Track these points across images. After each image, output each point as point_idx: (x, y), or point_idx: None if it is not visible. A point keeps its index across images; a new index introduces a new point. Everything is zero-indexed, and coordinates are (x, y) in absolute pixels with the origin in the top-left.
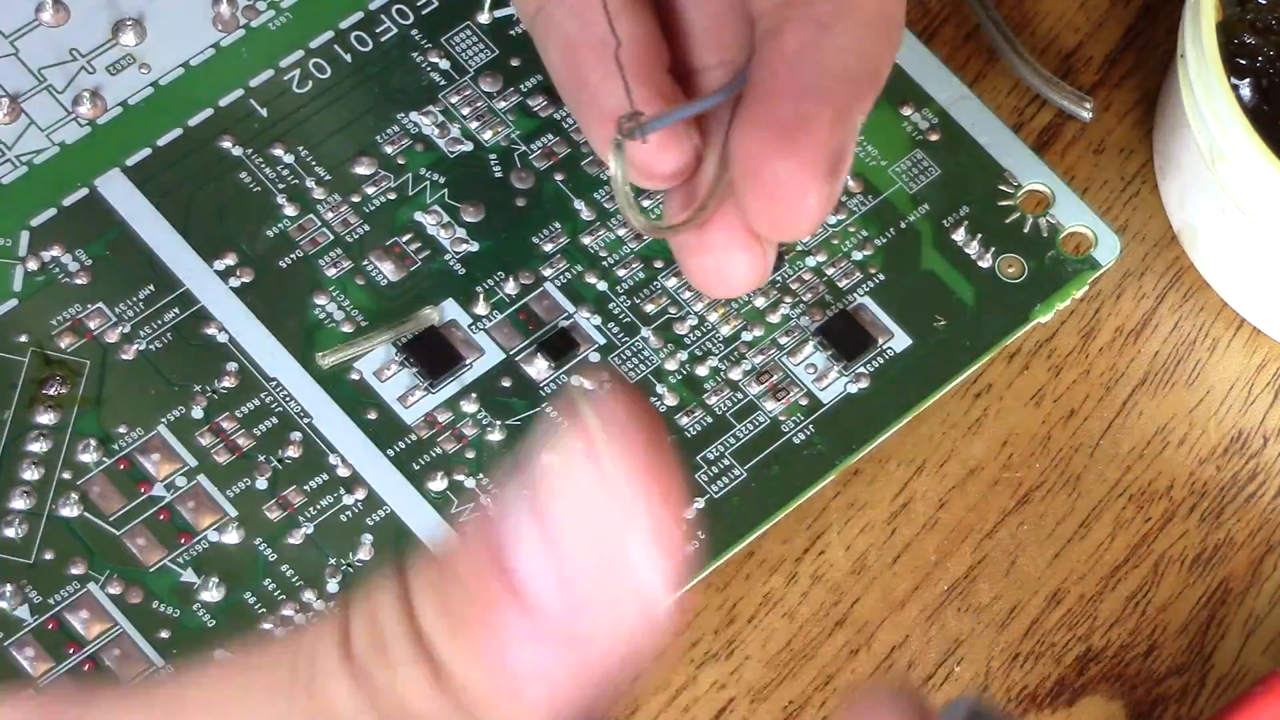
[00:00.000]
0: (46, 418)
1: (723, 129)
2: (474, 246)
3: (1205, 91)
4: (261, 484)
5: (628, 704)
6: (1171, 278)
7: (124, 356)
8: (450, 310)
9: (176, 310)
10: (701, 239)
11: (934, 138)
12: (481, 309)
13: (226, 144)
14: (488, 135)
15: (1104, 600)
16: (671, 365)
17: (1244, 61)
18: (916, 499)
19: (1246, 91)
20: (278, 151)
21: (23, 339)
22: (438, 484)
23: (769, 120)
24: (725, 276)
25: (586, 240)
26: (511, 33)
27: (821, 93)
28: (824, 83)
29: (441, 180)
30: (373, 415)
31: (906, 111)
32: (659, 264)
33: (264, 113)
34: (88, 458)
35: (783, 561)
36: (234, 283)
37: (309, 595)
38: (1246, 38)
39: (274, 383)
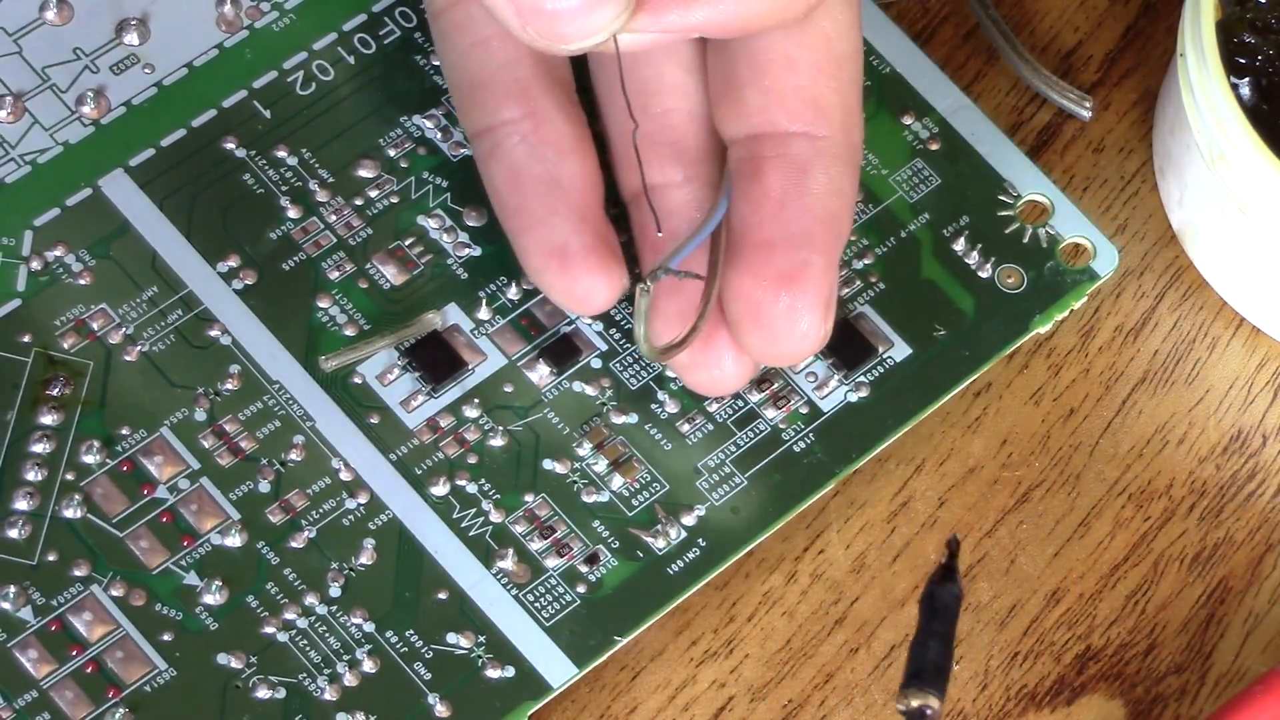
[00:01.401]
0: (49, 419)
1: (703, 253)
2: (476, 251)
3: (1205, 91)
4: (264, 487)
5: (627, 703)
6: (1171, 277)
7: (127, 358)
8: (453, 315)
9: (180, 312)
10: (695, 358)
11: (934, 147)
12: (484, 314)
13: (230, 145)
14: None
15: (1103, 599)
16: (672, 372)
17: (1244, 61)
18: (916, 498)
19: (1246, 91)
20: (281, 153)
21: (26, 339)
22: (440, 489)
23: (768, 270)
24: (721, 384)
25: None
26: None
27: (813, 240)
28: (813, 229)
29: (444, 184)
30: (375, 419)
31: (907, 120)
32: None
33: (267, 114)
34: (91, 459)
35: (782, 560)
36: (237, 285)
37: (311, 599)
38: (1246, 37)
39: (277, 386)
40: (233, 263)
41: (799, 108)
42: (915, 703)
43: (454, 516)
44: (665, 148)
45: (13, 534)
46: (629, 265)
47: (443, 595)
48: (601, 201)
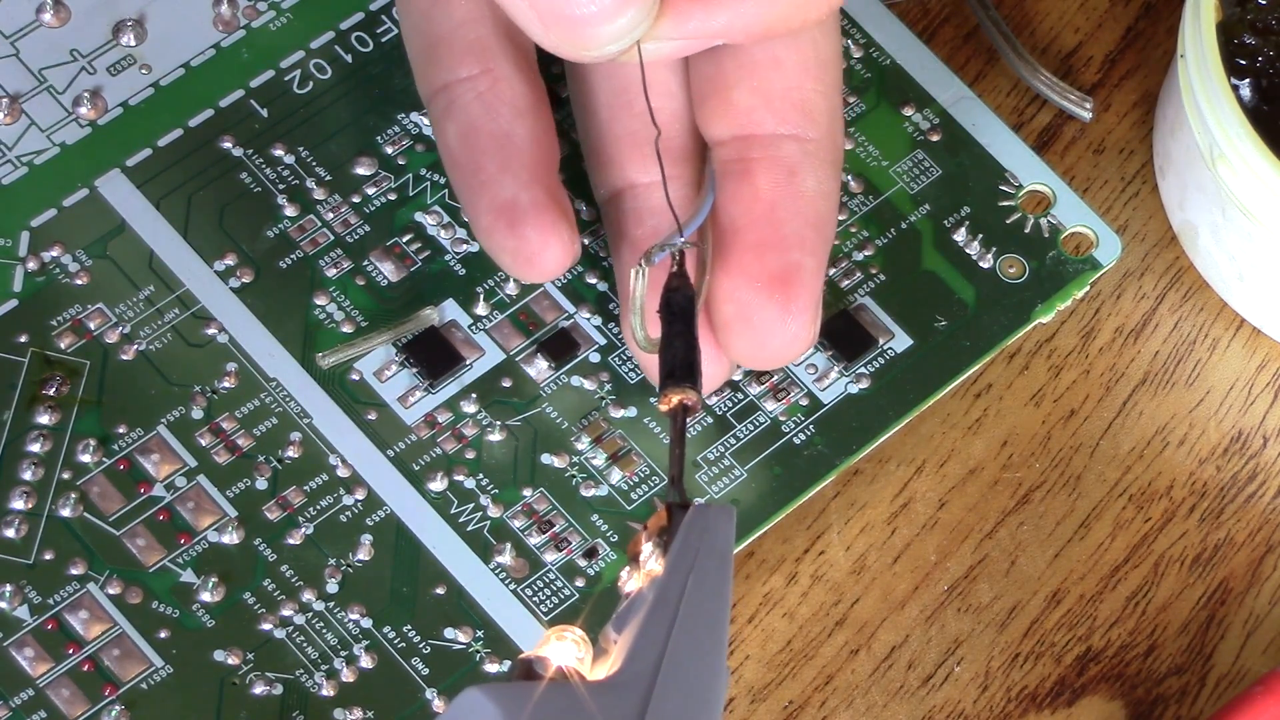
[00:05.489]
0: (46, 418)
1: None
2: (474, 247)
3: (1205, 91)
4: (261, 484)
5: None
6: (1171, 278)
7: (124, 357)
8: (450, 310)
9: (176, 310)
10: None
11: (935, 138)
12: (482, 309)
13: (227, 144)
14: None
15: (1104, 600)
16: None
17: (1244, 61)
18: (916, 499)
19: (1246, 91)
20: (278, 152)
21: (23, 339)
22: (438, 484)
23: (760, 271)
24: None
25: (586, 240)
26: None
27: (804, 242)
28: (805, 232)
29: (442, 180)
30: (372, 415)
31: (907, 112)
32: None
33: (264, 113)
34: (87, 458)
35: (783, 561)
36: (234, 283)
37: (308, 596)
38: (1246, 38)
39: (274, 383)
40: (230, 261)
41: (787, 110)
42: (676, 398)
43: (452, 511)
44: (649, 146)
45: (9, 533)
46: (608, 256)
47: (440, 590)
48: (555, 164)
